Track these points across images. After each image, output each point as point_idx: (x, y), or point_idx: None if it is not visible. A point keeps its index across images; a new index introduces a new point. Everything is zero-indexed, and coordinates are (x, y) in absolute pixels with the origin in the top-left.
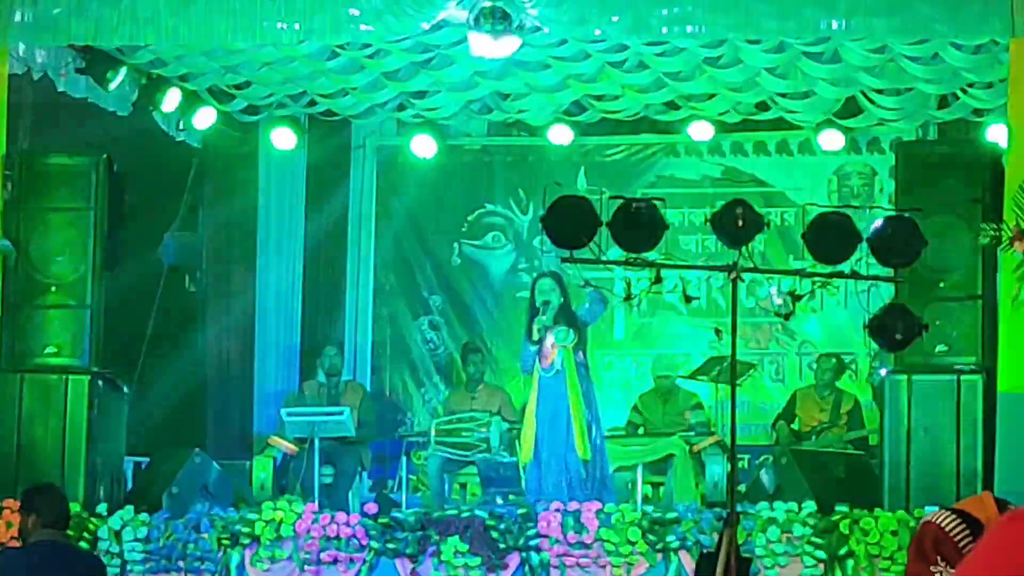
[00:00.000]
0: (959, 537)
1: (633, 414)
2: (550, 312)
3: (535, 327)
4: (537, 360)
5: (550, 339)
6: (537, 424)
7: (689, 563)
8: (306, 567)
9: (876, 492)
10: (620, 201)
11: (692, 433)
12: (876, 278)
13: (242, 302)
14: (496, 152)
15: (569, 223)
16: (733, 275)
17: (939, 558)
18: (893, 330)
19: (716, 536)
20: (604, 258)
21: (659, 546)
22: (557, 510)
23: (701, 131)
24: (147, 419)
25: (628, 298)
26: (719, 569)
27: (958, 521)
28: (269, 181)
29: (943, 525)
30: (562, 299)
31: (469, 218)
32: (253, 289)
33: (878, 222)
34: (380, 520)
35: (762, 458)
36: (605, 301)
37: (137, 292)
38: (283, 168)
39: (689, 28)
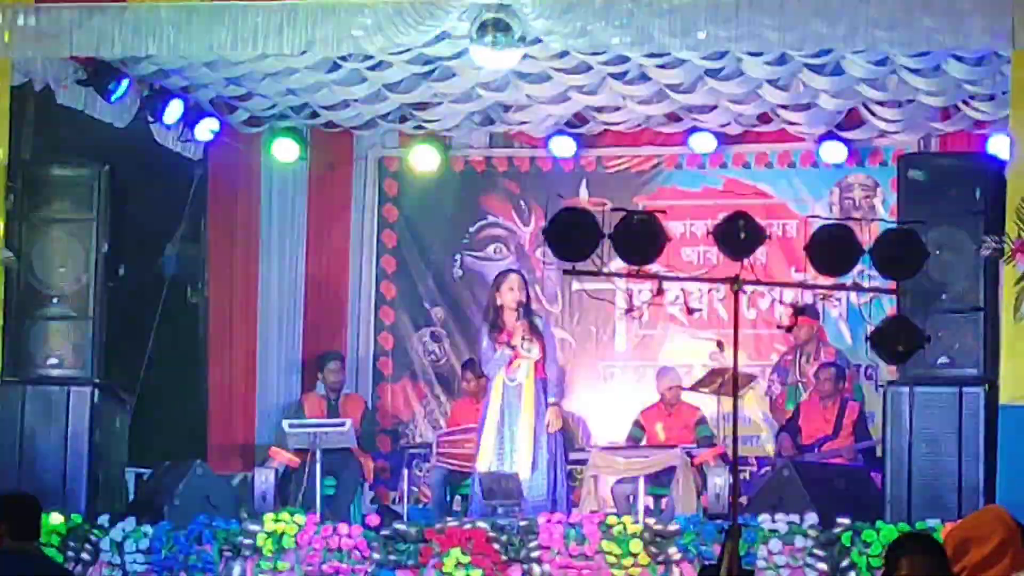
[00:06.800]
0: None
1: (635, 429)
2: (522, 312)
3: (517, 328)
4: (504, 367)
5: (518, 347)
6: (496, 434)
7: (691, 575)
8: None
9: (878, 504)
10: (622, 213)
11: (694, 445)
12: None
13: (244, 313)
14: (497, 164)
15: (571, 235)
16: (735, 287)
17: None
18: (895, 342)
19: (718, 548)
20: (606, 270)
21: (660, 558)
22: (559, 522)
23: (703, 143)
24: (149, 430)
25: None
26: None
27: None
28: (271, 192)
29: None
30: (526, 300)
31: (470, 230)
32: (255, 300)
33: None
34: (382, 532)
35: None
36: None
37: (139, 303)
38: (285, 179)
39: (690, 40)
